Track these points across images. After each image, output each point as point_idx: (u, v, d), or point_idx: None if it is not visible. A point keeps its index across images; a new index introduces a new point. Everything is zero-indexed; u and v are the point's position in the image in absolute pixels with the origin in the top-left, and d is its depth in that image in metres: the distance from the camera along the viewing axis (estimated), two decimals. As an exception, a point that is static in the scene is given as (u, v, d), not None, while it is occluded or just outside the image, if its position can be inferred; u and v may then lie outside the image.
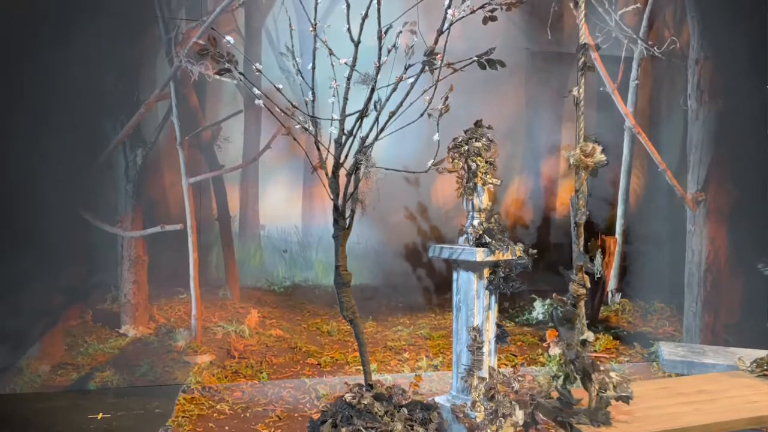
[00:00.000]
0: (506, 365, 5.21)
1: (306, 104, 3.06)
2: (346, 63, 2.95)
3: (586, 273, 2.48)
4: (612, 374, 2.42)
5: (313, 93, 3.06)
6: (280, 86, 2.99)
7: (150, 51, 5.34)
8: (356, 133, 2.99)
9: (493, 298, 3.65)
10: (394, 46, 2.91)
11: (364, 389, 3.03)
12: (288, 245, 6.02)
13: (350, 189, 3.01)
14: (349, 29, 2.94)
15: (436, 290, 6.28)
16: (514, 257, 3.59)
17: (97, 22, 4.94)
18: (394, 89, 2.95)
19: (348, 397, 2.96)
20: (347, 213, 3.03)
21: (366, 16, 2.92)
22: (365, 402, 2.91)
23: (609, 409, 2.37)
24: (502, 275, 3.61)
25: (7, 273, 4.71)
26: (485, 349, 3.61)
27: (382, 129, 2.95)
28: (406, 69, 2.92)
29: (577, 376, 2.42)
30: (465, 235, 3.67)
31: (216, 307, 5.62)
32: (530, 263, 3.62)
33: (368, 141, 2.97)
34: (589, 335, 2.43)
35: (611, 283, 6.49)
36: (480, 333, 3.59)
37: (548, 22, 6.28)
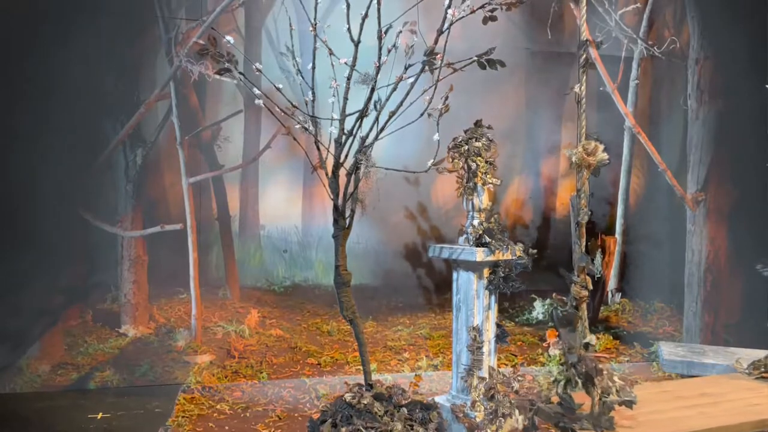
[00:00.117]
0: (506, 365, 5.21)
1: (306, 104, 3.06)
2: (346, 63, 2.95)
3: (588, 275, 2.43)
4: (615, 378, 2.38)
5: (313, 93, 3.06)
6: (280, 86, 3.00)
7: (150, 51, 5.34)
8: (356, 132, 2.99)
9: (492, 297, 3.65)
10: (394, 46, 2.91)
11: (363, 389, 3.03)
12: (288, 245, 6.02)
13: (350, 189, 3.01)
14: (349, 29, 2.94)
15: (436, 290, 6.29)
16: (514, 257, 3.59)
17: (97, 22, 4.94)
18: (394, 89, 2.95)
19: (348, 396, 2.96)
20: (347, 213, 3.03)
21: (366, 16, 2.92)
22: (365, 402, 2.91)
23: (612, 414, 2.33)
24: (502, 275, 3.61)
25: (7, 273, 4.71)
26: (485, 349, 3.61)
27: (382, 129, 2.95)
28: (406, 69, 2.92)
29: (579, 381, 2.37)
30: (465, 235, 3.67)
31: (216, 307, 5.63)
32: (530, 263, 3.62)
33: (368, 141, 2.97)
34: (591, 338, 2.40)
35: (611, 283, 6.49)
36: (480, 333, 3.59)
37: (548, 22, 6.29)
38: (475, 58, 2.93)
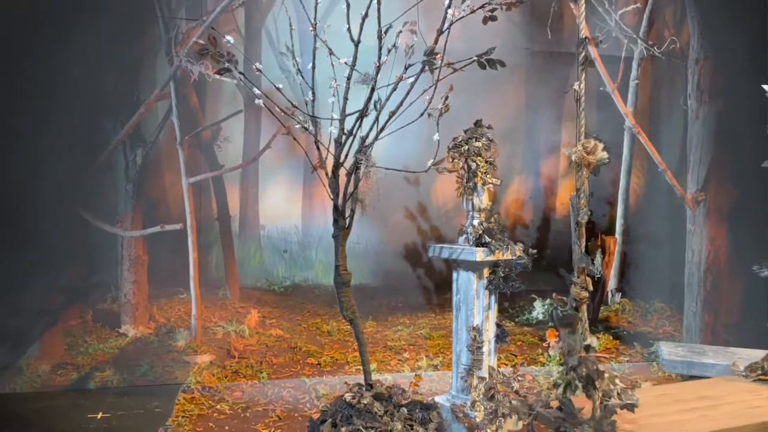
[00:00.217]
0: (506, 365, 5.21)
1: (306, 104, 3.06)
2: (346, 63, 2.95)
3: (588, 276, 2.37)
4: (617, 381, 2.32)
5: (313, 93, 3.06)
6: (280, 86, 3.00)
7: (150, 51, 5.34)
8: (356, 132, 2.99)
9: (492, 297, 3.65)
10: (394, 45, 2.91)
11: (363, 389, 3.03)
12: (288, 245, 6.02)
13: (350, 189, 3.01)
14: (349, 29, 2.94)
15: (436, 290, 6.29)
16: (513, 257, 3.59)
17: (97, 22, 4.94)
18: (394, 89, 2.95)
19: (348, 396, 2.96)
20: (347, 213, 3.03)
21: (366, 15, 2.92)
22: (365, 402, 2.91)
23: (614, 418, 2.28)
24: (502, 275, 3.61)
25: (7, 272, 4.71)
26: (485, 349, 3.61)
27: (382, 129, 2.95)
28: (406, 69, 2.92)
29: (580, 384, 2.31)
30: (465, 235, 3.67)
31: (216, 307, 5.63)
32: (530, 263, 3.62)
33: (368, 141, 2.97)
34: (593, 340, 2.34)
35: (611, 283, 6.49)
36: (480, 333, 3.59)
37: (548, 21, 6.28)
38: (475, 58, 2.93)
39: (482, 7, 2.90)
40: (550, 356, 5.38)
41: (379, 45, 2.91)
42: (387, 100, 2.94)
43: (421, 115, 2.96)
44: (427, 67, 2.89)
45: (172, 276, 5.41)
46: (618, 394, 2.30)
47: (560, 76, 6.48)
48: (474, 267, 3.60)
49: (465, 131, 3.66)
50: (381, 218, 6.04)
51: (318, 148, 3.03)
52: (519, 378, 3.41)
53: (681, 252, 5.92)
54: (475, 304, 3.61)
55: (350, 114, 3.00)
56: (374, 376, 3.32)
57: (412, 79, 2.92)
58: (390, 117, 2.93)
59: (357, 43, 2.94)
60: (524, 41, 6.40)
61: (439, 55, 2.88)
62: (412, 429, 2.88)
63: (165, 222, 5.28)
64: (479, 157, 3.59)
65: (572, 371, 2.31)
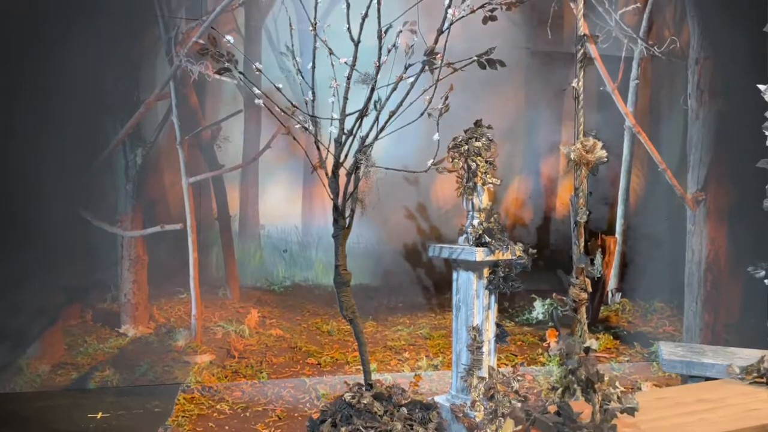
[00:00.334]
0: (506, 365, 5.21)
1: (306, 104, 3.06)
2: (346, 62, 2.95)
3: (587, 277, 2.32)
4: (617, 384, 2.26)
5: (313, 92, 3.06)
6: (280, 86, 3.00)
7: (150, 51, 5.34)
8: (356, 132, 2.99)
9: (492, 297, 3.65)
10: (394, 45, 2.91)
11: (363, 389, 3.03)
12: (288, 245, 6.02)
13: (350, 188, 3.01)
14: (349, 29, 2.94)
15: (436, 290, 6.28)
16: (513, 257, 3.59)
17: (97, 22, 4.94)
18: (394, 89, 2.95)
19: (347, 396, 2.96)
20: (347, 212, 3.03)
21: (366, 15, 2.92)
22: (365, 401, 2.91)
23: (615, 422, 2.23)
24: (502, 275, 3.61)
25: (7, 272, 4.71)
26: (485, 349, 3.61)
27: (382, 128, 2.95)
28: (406, 69, 2.92)
29: (578, 388, 2.26)
30: (465, 235, 3.67)
31: (216, 307, 5.63)
32: (530, 263, 3.62)
33: (368, 140, 2.97)
34: (592, 342, 2.26)
35: (611, 283, 6.49)
36: (479, 332, 3.59)
37: (548, 21, 6.28)
38: (475, 58, 2.93)
39: (482, 7, 2.90)
40: (550, 356, 5.38)
41: (379, 45, 2.91)
42: (387, 100, 2.94)
43: (421, 114, 2.96)
44: (427, 67, 2.89)
45: (172, 276, 5.41)
46: (618, 397, 2.25)
47: (560, 76, 6.48)
48: (474, 267, 3.60)
49: (465, 131, 3.66)
50: (381, 218, 6.04)
51: (318, 148, 3.03)
52: (519, 378, 3.41)
53: (681, 252, 5.92)
54: (474, 303, 3.61)
55: (350, 114, 3.00)
56: (374, 376, 3.32)
57: (412, 79, 2.92)
58: (390, 117, 2.93)
59: (357, 43, 2.94)
60: (524, 41, 6.40)
61: (439, 55, 2.88)
62: (411, 429, 2.88)
63: (165, 222, 5.28)
64: (479, 157, 3.59)
65: (571, 374, 2.26)
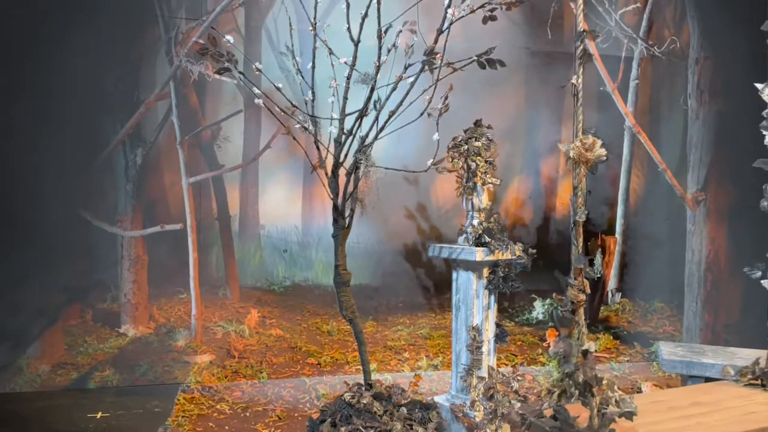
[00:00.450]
0: (506, 365, 5.21)
1: (306, 104, 3.06)
2: (345, 62, 2.95)
3: (586, 278, 2.25)
4: (615, 387, 2.22)
5: (313, 92, 3.06)
6: (280, 86, 3.00)
7: (150, 51, 5.34)
8: (356, 132, 2.99)
9: (492, 297, 3.65)
10: (393, 45, 2.91)
11: (363, 389, 3.03)
12: (288, 245, 6.02)
13: (350, 188, 3.01)
14: (348, 29, 2.94)
15: (435, 290, 6.28)
16: (513, 257, 3.59)
17: (97, 22, 4.94)
18: (394, 89, 2.95)
19: (347, 396, 2.96)
20: (347, 212, 3.03)
21: (366, 15, 2.92)
22: (364, 401, 2.91)
23: (613, 426, 2.19)
24: (502, 275, 3.61)
25: (7, 272, 4.71)
26: (484, 349, 3.61)
27: (382, 128, 2.95)
28: (405, 68, 2.92)
29: (575, 392, 2.20)
30: (464, 235, 3.67)
31: (216, 307, 5.63)
32: (529, 263, 3.62)
33: (368, 140, 2.97)
34: (591, 345, 2.21)
35: (611, 283, 6.49)
36: (479, 332, 3.59)
37: (548, 21, 6.28)
38: (475, 58, 2.93)
39: (482, 6, 2.90)
40: (550, 356, 5.38)
41: (379, 45, 2.90)
42: (387, 99, 2.93)
43: (421, 114, 2.95)
44: (426, 67, 2.89)
45: (172, 276, 5.41)
46: (616, 401, 2.20)
47: (560, 76, 6.47)
48: (473, 267, 3.60)
49: (465, 131, 3.66)
50: (381, 218, 6.04)
51: (318, 148, 3.03)
52: (519, 378, 3.41)
53: (681, 252, 5.91)
54: (474, 303, 3.61)
55: (350, 114, 3.00)
56: (374, 376, 3.32)
57: (411, 79, 2.92)
58: (390, 117, 2.93)
59: (357, 43, 2.94)
60: (524, 41, 6.40)
61: (438, 55, 2.88)
62: (411, 429, 2.88)
63: (165, 222, 5.29)
64: (479, 157, 3.59)
65: (568, 377, 2.20)
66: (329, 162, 3.05)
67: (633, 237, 6.63)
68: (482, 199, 3.65)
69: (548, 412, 2.28)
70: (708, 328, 5.68)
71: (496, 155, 3.67)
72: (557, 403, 2.21)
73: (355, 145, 2.99)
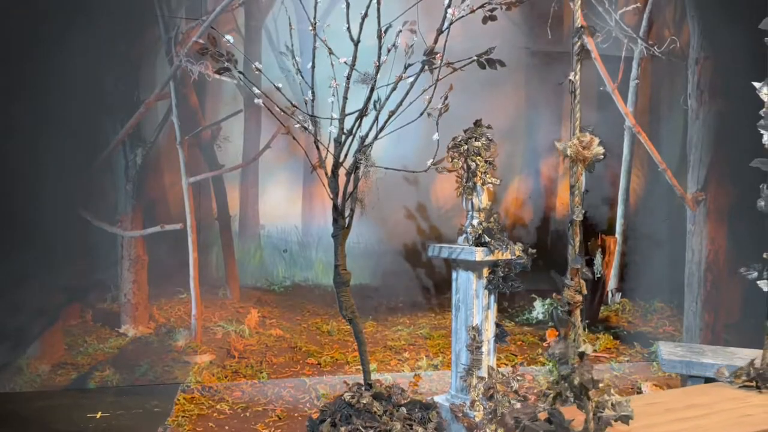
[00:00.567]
0: (506, 365, 5.21)
1: (306, 103, 3.06)
2: (345, 62, 2.95)
3: (582, 278, 2.20)
4: (612, 391, 2.17)
5: (313, 92, 3.06)
6: (280, 85, 2.99)
7: (150, 51, 5.34)
8: (356, 132, 2.99)
9: (492, 297, 3.65)
10: (393, 45, 2.90)
11: (363, 388, 3.03)
12: (288, 245, 6.02)
13: (350, 188, 3.01)
14: (348, 28, 2.94)
15: (435, 290, 6.28)
16: (513, 257, 3.59)
17: (97, 22, 4.94)
18: (394, 88, 2.95)
19: (347, 396, 2.96)
20: (347, 212, 3.03)
21: (366, 15, 2.92)
22: (364, 401, 2.91)
23: (609, 430, 2.14)
24: (502, 275, 3.61)
25: (7, 272, 4.71)
26: (484, 349, 3.61)
27: (382, 128, 2.95)
28: (405, 68, 2.91)
29: (570, 395, 2.15)
30: (464, 235, 3.67)
31: (216, 307, 5.63)
32: (529, 263, 3.62)
33: (368, 140, 2.97)
34: (587, 347, 2.16)
35: (611, 283, 6.49)
36: (479, 332, 3.59)
37: (548, 21, 6.28)
38: (475, 58, 2.92)
39: (482, 6, 2.90)
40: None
41: (379, 45, 2.90)
42: (386, 99, 2.93)
43: (421, 114, 2.95)
44: (426, 67, 2.89)
45: (172, 276, 5.41)
46: (612, 405, 2.15)
47: (560, 76, 6.45)
48: (473, 267, 3.60)
49: (464, 131, 3.66)
50: (381, 218, 6.05)
51: (317, 148, 3.03)
52: (518, 378, 3.41)
53: (681, 252, 5.91)
54: (474, 303, 3.61)
55: (350, 114, 3.00)
56: (374, 376, 3.32)
57: (411, 79, 2.92)
58: (389, 117, 2.92)
59: (357, 43, 2.93)
60: (524, 41, 6.40)
61: (438, 55, 2.87)
62: (411, 428, 2.87)
63: (165, 222, 5.29)
64: (479, 157, 3.59)
65: (564, 380, 2.15)
66: (329, 162, 3.05)
67: (633, 237, 6.63)
68: (482, 199, 3.65)
69: (543, 416, 2.23)
70: (708, 328, 5.68)
71: (495, 155, 3.67)
72: (552, 406, 2.17)
73: (355, 145, 2.99)
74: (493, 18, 2.90)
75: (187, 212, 5.29)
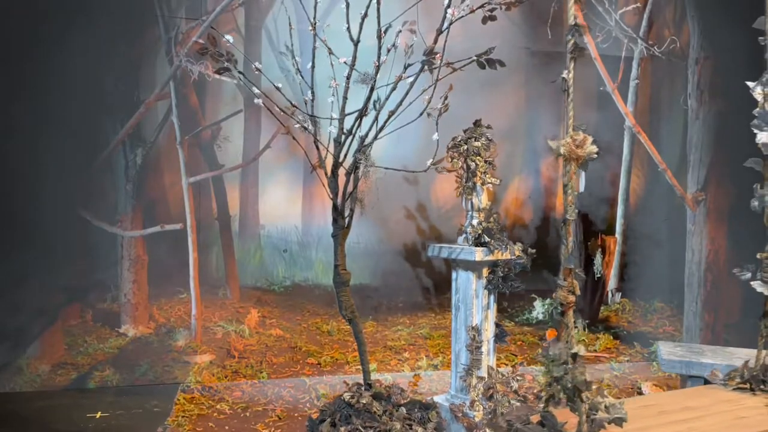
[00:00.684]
0: (506, 365, 5.21)
1: (305, 103, 3.06)
2: (345, 62, 2.95)
3: (576, 279, 2.19)
4: (605, 393, 2.15)
5: (313, 92, 3.06)
6: (280, 85, 2.99)
7: (150, 51, 5.34)
8: (355, 132, 2.99)
9: (491, 297, 3.65)
10: (393, 45, 2.90)
11: (362, 388, 3.03)
12: (288, 245, 6.02)
13: (349, 188, 3.01)
14: (348, 28, 2.94)
15: (435, 290, 6.29)
16: (513, 257, 3.59)
17: (97, 22, 4.94)
18: (394, 88, 2.94)
19: (347, 396, 2.96)
20: (346, 212, 3.02)
21: (366, 15, 2.92)
22: (364, 401, 2.91)
23: None
24: (501, 275, 3.60)
25: (7, 272, 4.71)
26: (484, 349, 3.61)
27: (382, 128, 2.95)
28: (405, 68, 2.91)
29: (563, 398, 2.12)
30: (464, 235, 3.67)
31: (216, 307, 5.63)
32: (529, 263, 3.62)
33: (367, 140, 2.97)
34: (580, 348, 2.12)
35: (611, 283, 6.49)
36: (479, 332, 3.59)
37: (548, 21, 6.28)
38: (475, 58, 2.92)
39: (482, 6, 2.89)
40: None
41: (379, 45, 2.90)
42: (386, 99, 2.93)
43: (421, 114, 2.95)
44: (426, 67, 2.89)
45: (172, 276, 5.41)
46: (606, 407, 2.12)
47: (560, 76, 6.47)
48: (473, 267, 3.60)
49: (464, 131, 3.66)
50: (380, 218, 6.05)
51: (317, 148, 3.03)
52: (518, 378, 3.41)
53: (681, 252, 5.91)
54: (474, 303, 3.61)
55: (349, 113, 3.00)
56: (374, 376, 3.32)
57: (411, 79, 2.92)
58: (389, 116, 2.92)
59: (356, 43, 2.93)
60: (524, 41, 6.40)
61: (438, 55, 2.87)
62: (410, 428, 2.87)
63: (165, 222, 5.29)
64: (478, 157, 3.59)
65: (556, 382, 2.12)
66: (329, 162, 3.05)
67: (633, 237, 6.63)
68: (482, 199, 3.65)
69: (535, 418, 2.21)
70: (708, 328, 5.68)
71: (495, 155, 3.67)
72: (545, 409, 2.14)
73: (355, 145, 2.99)
74: (492, 18, 2.90)
75: (187, 212, 5.29)
